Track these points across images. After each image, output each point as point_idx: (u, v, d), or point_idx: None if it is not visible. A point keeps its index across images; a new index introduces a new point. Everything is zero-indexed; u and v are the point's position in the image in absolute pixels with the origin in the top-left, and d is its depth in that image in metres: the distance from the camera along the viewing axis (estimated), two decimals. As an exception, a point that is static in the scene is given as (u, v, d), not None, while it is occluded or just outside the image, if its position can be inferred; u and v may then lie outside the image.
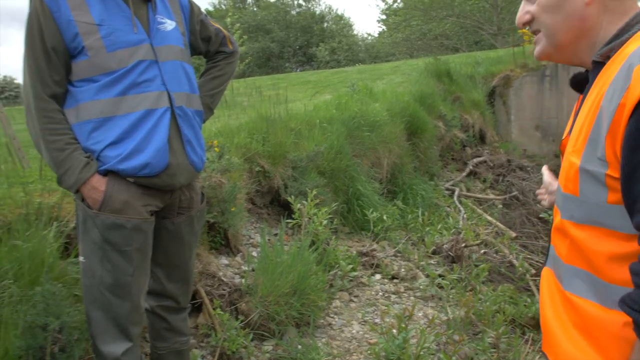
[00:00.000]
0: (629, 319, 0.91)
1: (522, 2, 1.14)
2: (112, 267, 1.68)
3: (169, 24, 1.81)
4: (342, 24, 32.32)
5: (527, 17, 1.11)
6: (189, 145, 1.79)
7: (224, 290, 2.80)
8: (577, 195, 0.99)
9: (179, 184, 1.79)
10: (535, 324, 3.34)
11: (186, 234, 1.93)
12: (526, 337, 3.20)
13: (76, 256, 2.03)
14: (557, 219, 1.09)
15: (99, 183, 1.66)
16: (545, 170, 1.66)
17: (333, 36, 29.97)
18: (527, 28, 1.15)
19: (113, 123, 1.66)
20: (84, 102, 1.66)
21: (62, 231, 2.28)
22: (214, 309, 2.71)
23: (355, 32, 33.64)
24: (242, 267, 3.26)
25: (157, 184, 1.73)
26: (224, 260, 3.27)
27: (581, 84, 1.13)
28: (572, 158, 1.00)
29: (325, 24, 31.77)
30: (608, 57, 1.01)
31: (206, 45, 2.08)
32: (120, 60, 1.65)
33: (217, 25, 2.10)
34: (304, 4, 32.27)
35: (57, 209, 2.42)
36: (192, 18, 1.97)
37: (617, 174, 0.91)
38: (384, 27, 34.52)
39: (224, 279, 2.85)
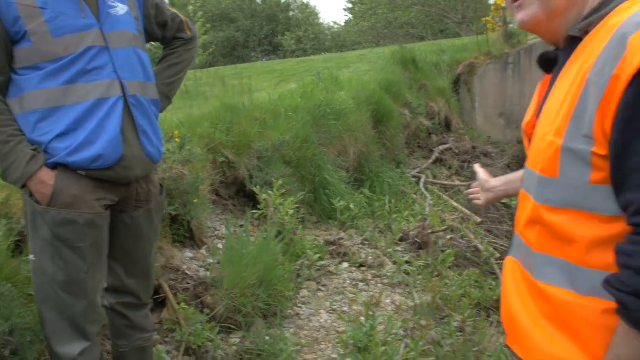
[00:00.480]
0: (609, 305, 0.89)
1: None
2: (64, 264, 1.61)
3: (121, 8, 1.72)
4: (308, 13, 32.09)
5: None
6: (145, 135, 1.72)
7: (189, 284, 2.74)
8: (555, 176, 0.96)
9: (134, 176, 1.72)
10: (499, 307, 3.39)
11: (145, 228, 1.86)
12: (491, 319, 3.24)
13: (28, 255, 1.95)
14: (528, 204, 1.05)
15: (47, 177, 1.57)
16: (478, 168, 1.66)
17: (299, 25, 29.72)
18: None
19: (61, 113, 1.57)
20: (29, 91, 1.56)
21: (12, 229, 2.18)
22: (178, 303, 2.65)
23: (321, 21, 33.48)
24: (208, 259, 3.20)
25: (111, 177, 1.65)
26: (189, 254, 3.20)
27: (549, 63, 1.10)
28: (550, 137, 0.96)
29: (291, 13, 31.49)
30: (586, 32, 0.97)
31: (162, 31, 1.99)
32: (67, 47, 1.56)
33: (174, 10, 2.02)
34: (268, -8, 31.89)
35: (6, 206, 2.31)
36: (146, 2, 1.88)
37: (604, 152, 0.88)
38: (350, 15, 34.51)
39: (189, 273, 2.79)
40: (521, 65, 9.52)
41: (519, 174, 1.51)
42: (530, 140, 1.12)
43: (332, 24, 35.65)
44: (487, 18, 10.51)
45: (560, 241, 0.97)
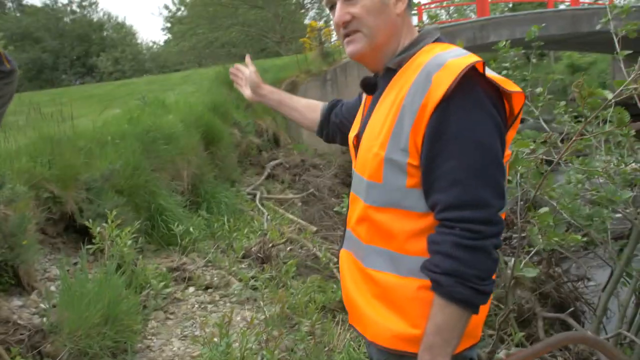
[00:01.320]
0: (423, 283, 1.14)
1: (340, 4, 1.24)
2: None
3: None
4: (124, 33, 30.67)
5: (348, 17, 1.22)
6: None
7: (22, 334, 2.51)
8: (380, 182, 1.18)
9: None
10: (342, 307, 3.68)
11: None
12: (337, 319, 3.50)
13: None
14: (358, 205, 1.27)
15: None
16: (248, 59, 1.84)
17: (115, 45, 28.24)
18: (342, 29, 1.25)
19: None
20: None
21: None
22: (12, 358, 2.42)
23: (139, 41, 32.22)
24: (41, 305, 2.96)
25: None
26: (17, 302, 2.93)
27: (370, 87, 1.32)
28: (375, 150, 1.18)
29: (105, 33, 29.77)
30: (400, 66, 1.21)
31: (-24, 66, 1.87)
32: None
33: (-13, 44, 1.91)
34: (78, 10, 29.74)
35: None
36: None
37: (416, 162, 1.12)
38: (169, 35, 33.79)
39: (21, 322, 2.56)
40: (338, 81, 10.32)
41: (294, 100, 1.78)
42: (356, 150, 1.33)
43: (151, 44, 34.43)
44: (305, 39, 11.21)
45: (384, 234, 1.20)
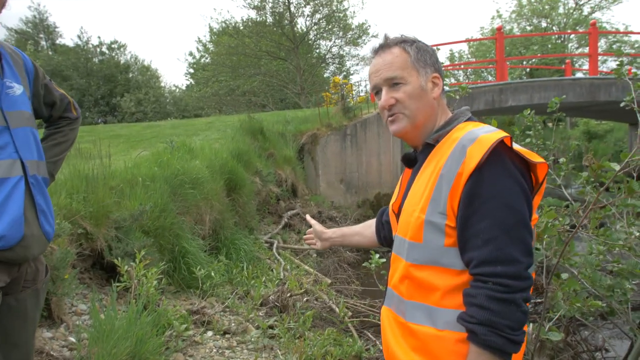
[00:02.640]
0: (460, 336, 1.25)
1: (385, 89, 1.43)
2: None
3: (17, 88, 1.74)
4: (149, 75, 31.62)
5: (392, 101, 1.42)
6: (42, 214, 1.72)
7: (54, 365, 2.59)
8: (420, 242, 1.32)
9: (32, 256, 1.70)
10: (358, 362, 3.70)
11: (30, 308, 1.80)
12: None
13: None
14: (400, 264, 1.40)
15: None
16: (310, 219, 2.06)
17: (139, 87, 29.09)
18: (386, 112, 1.44)
19: None
20: None
21: None
22: (42, 388, 2.49)
23: (162, 84, 33.16)
24: (69, 338, 3.03)
25: (9, 258, 1.61)
26: (47, 333, 3.01)
27: (410, 161, 1.49)
28: (417, 214, 1.33)
29: (131, 74, 30.73)
30: (437, 141, 1.40)
31: (49, 110, 2.02)
32: None
33: (62, 91, 2.07)
34: (107, 52, 30.84)
35: None
36: (36, 82, 1.91)
37: (453, 224, 1.27)
38: (192, 80, 34.77)
39: (54, 354, 2.64)
40: (357, 136, 10.55)
41: (353, 228, 1.99)
42: (397, 216, 1.47)
43: (173, 88, 35.38)
44: (327, 93, 11.54)
45: (424, 290, 1.33)
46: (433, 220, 1.29)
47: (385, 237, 1.84)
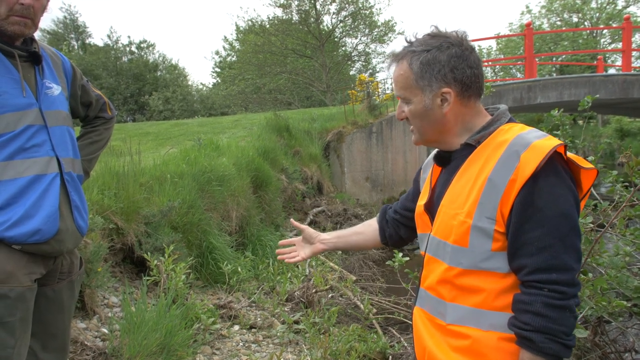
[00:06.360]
0: (502, 335, 1.27)
1: (399, 102, 1.44)
2: (-8, 341, 1.59)
3: (56, 89, 1.82)
4: (177, 74, 32.08)
5: (403, 114, 1.43)
6: (77, 210, 1.79)
7: (88, 355, 2.69)
8: (466, 246, 1.31)
9: (66, 249, 1.78)
10: (382, 357, 3.72)
11: (67, 299, 1.88)
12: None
13: None
14: (438, 267, 1.40)
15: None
16: (297, 224, 1.91)
17: (167, 85, 29.55)
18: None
19: None
20: None
21: None
22: (76, 376, 2.58)
23: (189, 83, 33.59)
24: (101, 329, 3.14)
25: (44, 250, 1.69)
26: (81, 324, 3.12)
27: (444, 160, 1.47)
28: (462, 218, 1.32)
29: (159, 73, 31.24)
30: (479, 142, 1.37)
31: (86, 110, 2.10)
32: (8, 124, 1.63)
33: (98, 91, 2.14)
34: (136, 51, 31.40)
35: None
36: (74, 82, 1.99)
37: (502, 229, 1.27)
38: (218, 79, 35.09)
39: (87, 344, 2.73)
40: (383, 134, 10.53)
41: (350, 229, 1.92)
42: (430, 215, 1.47)
43: (200, 86, 35.80)
44: (352, 91, 11.55)
45: (468, 293, 1.33)
46: (481, 225, 1.28)
47: (390, 236, 1.80)
